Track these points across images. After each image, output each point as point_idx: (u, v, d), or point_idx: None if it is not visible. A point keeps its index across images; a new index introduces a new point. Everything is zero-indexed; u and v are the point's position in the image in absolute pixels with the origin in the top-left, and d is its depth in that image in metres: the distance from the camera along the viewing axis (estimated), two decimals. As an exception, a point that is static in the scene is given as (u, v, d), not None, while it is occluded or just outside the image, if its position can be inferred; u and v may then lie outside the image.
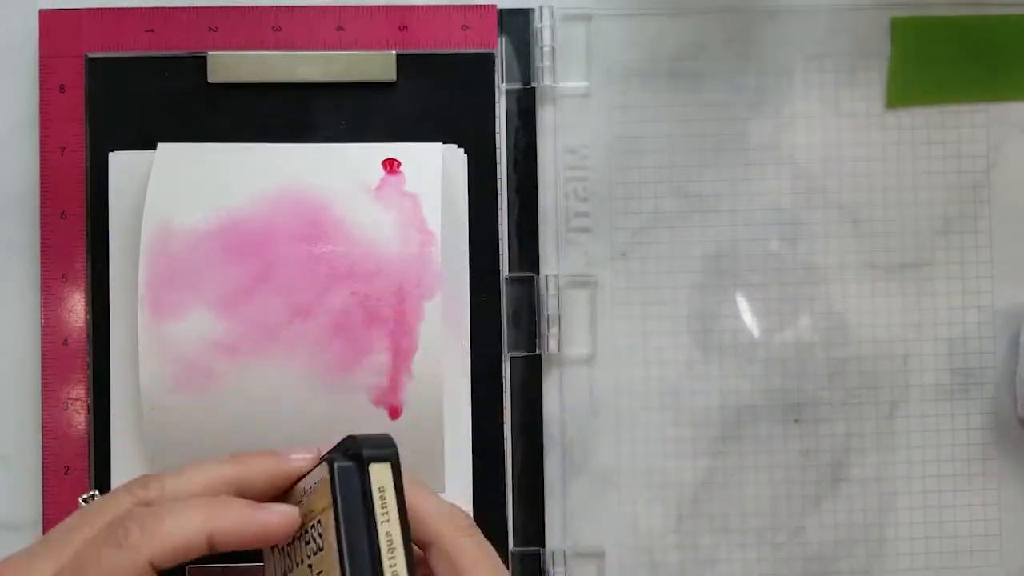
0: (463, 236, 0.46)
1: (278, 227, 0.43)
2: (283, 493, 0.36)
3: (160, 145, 0.45)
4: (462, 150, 0.46)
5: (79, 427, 0.45)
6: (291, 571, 0.34)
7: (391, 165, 0.44)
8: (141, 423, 0.44)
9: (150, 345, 0.43)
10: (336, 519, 0.31)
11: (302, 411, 0.43)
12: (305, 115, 0.46)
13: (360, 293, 0.43)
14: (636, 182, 0.47)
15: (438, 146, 0.46)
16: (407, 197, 0.44)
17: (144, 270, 0.43)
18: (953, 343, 0.48)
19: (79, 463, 0.45)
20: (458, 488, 0.45)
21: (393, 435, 0.42)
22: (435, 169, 0.45)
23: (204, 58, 0.46)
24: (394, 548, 0.31)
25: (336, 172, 0.44)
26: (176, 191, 0.44)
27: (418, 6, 0.46)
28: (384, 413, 0.43)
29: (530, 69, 0.47)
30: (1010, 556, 0.47)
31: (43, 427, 0.45)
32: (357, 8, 0.46)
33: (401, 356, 0.43)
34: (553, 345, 0.46)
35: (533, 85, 0.47)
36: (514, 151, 0.47)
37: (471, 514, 0.45)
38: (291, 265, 0.43)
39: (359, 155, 0.45)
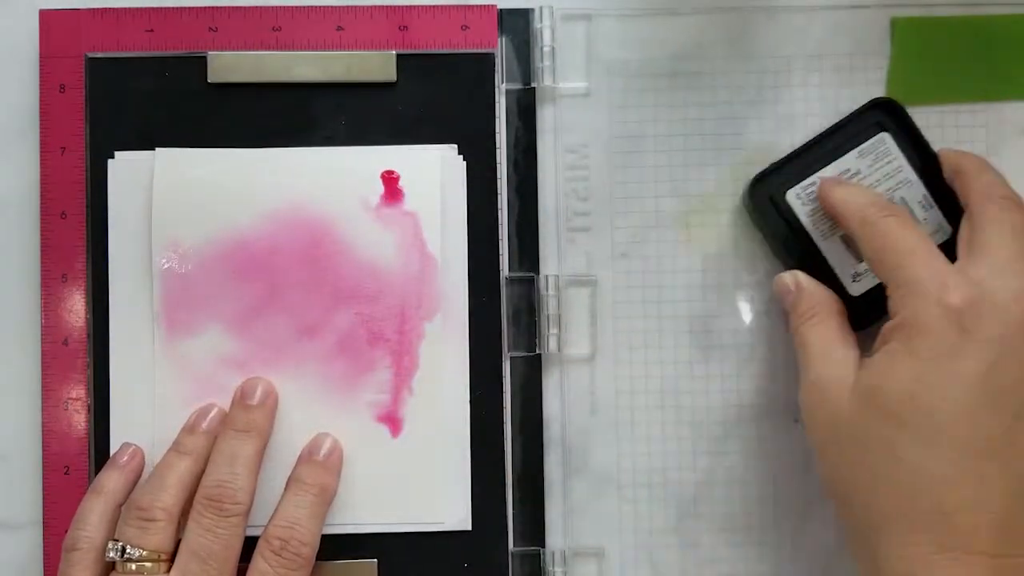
0: (463, 237, 0.46)
1: (283, 247, 0.45)
2: None
3: (158, 151, 0.45)
4: (459, 154, 0.46)
5: (79, 427, 0.45)
6: None
7: (390, 182, 0.45)
8: (153, 436, 0.44)
9: (165, 361, 0.44)
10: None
11: (308, 426, 0.45)
12: (305, 115, 0.46)
13: (364, 314, 0.45)
14: (636, 182, 0.47)
15: (436, 154, 0.46)
16: (407, 217, 0.45)
17: (158, 290, 0.44)
18: (953, 343, 0.48)
19: (79, 463, 0.45)
20: (458, 489, 0.45)
21: (393, 451, 0.45)
22: (434, 183, 0.45)
23: (204, 58, 0.46)
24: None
25: (336, 187, 0.45)
26: (181, 210, 0.45)
27: (418, 6, 0.46)
28: (386, 429, 0.44)
29: (530, 69, 0.47)
30: (1010, 556, 0.47)
31: (43, 427, 0.45)
32: (357, 8, 0.46)
33: (402, 375, 0.45)
34: (553, 345, 0.46)
35: (533, 85, 0.47)
36: (514, 151, 0.47)
37: (470, 511, 0.45)
38: (296, 286, 0.45)
39: (358, 167, 0.45)
